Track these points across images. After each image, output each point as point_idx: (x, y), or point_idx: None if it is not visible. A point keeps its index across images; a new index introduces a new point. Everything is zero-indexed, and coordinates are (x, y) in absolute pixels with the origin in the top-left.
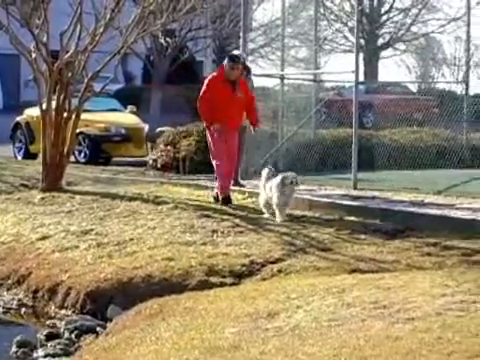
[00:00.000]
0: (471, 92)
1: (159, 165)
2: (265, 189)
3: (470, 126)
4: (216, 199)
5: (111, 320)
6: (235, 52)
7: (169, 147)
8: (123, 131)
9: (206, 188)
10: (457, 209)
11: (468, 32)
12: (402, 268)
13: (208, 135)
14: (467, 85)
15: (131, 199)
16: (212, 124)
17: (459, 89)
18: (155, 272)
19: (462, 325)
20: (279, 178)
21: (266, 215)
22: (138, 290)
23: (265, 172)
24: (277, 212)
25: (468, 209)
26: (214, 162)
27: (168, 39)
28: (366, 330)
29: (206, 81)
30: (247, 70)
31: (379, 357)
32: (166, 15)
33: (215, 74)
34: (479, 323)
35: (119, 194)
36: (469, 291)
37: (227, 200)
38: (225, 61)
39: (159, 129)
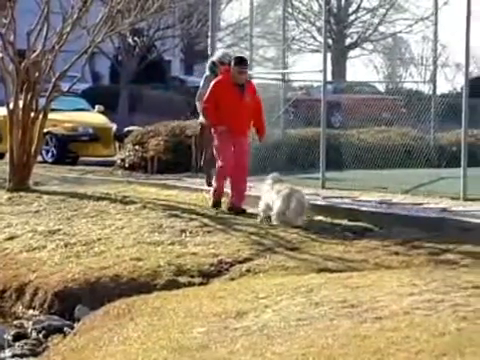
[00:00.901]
0: (438, 92)
1: (127, 165)
2: (270, 193)
3: (437, 126)
4: (216, 204)
5: (79, 320)
6: (223, 50)
7: (137, 147)
8: (91, 131)
9: (174, 188)
10: (425, 208)
11: (435, 32)
12: (370, 267)
13: (214, 138)
14: (434, 85)
15: (99, 199)
16: (218, 127)
17: (426, 89)
18: (123, 272)
19: (430, 324)
20: (296, 206)
21: (259, 218)
22: (106, 290)
23: (271, 178)
24: (274, 217)
25: (435, 208)
26: (218, 163)
27: (136, 38)
28: (334, 329)
29: (212, 84)
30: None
31: (347, 356)
32: (134, 14)
33: (221, 77)
34: (447, 322)
35: (87, 194)
36: (436, 290)
37: (216, 204)
38: (231, 64)
39: (127, 129)
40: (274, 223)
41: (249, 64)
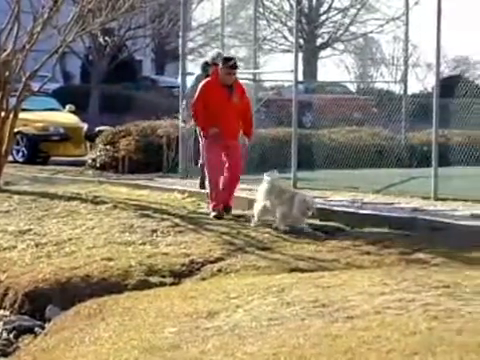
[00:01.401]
0: (409, 92)
1: (98, 164)
2: (268, 198)
3: (409, 126)
4: (218, 217)
5: (50, 320)
6: (217, 50)
7: (108, 146)
8: (62, 130)
9: (146, 188)
10: (396, 208)
11: (406, 32)
12: (341, 267)
13: (201, 141)
14: (405, 85)
15: (70, 199)
16: (207, 130)
17: (398, 89)
18: (94, 272)
19: (401, 323)
20: (299, 204)
21: (253, 222)
22: (77, 290)
23: (270, 180)
24: (279, 219)
25: (407, 208)
26: (206, 171)
27: (107, 38)
28: (306, 329)
29: (200, 86)
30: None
31: (319, 356)
32: (105, 14)
33: (209, 78)
34: (417, 321)
35: (58, 194)
36: (407, 289)
37: (219, 216)
38: (220, 64)
39: (98, 128)
40: (280, 228)
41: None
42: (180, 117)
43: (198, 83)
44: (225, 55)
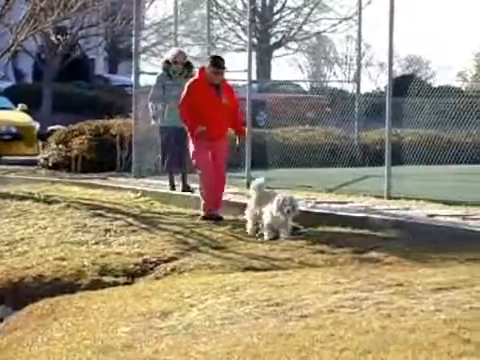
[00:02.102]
0: (362, 91)
1: (51, 164)
2: (259, 205)
3: (362, 125)
4: (207, 218)
5: (2, 321)
6: (177, 49)
7: (61, 146)
8: (14, 130)
9: (99, 187)
10: (349, 207)
11: (359, 31)
12: (295, 266)
13: (190, 143)
14: (358, 84)
15: (22, 198)
16: (194, 130)
17: (351, 88)
18: (47, 272)
19: (354, 322)
20: (278, 202)
21: (249, 228)
22: (29, 290)
23: (257, 186)
24: (265, 232)
25: (360, 207)
26: (198, 172)
27: (59, 36)
28: (259, 328)
29: (187, 85)
30: (189, 67)
31: (272, 354)
32: (57, 12)
33: (196, 77)
34: (371, 320)
35: (9, 193)
36: (361, 288)
37: (213, 217)
38: (207, 64)
39: (50, 127)
40: (265, 236)
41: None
42: (152, 118)
43: (160, 83)
44: (212, 54)
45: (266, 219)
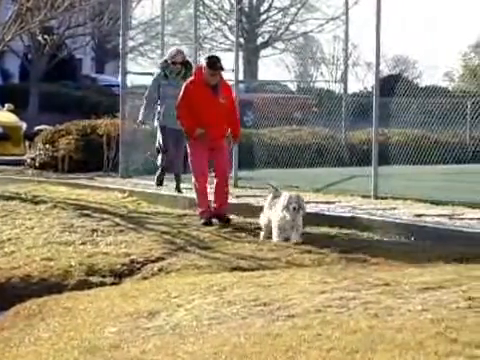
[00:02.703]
0: (349, 91)
1: (37, 164)
2: (270, 208)
3: (349, 125)
4: (207, 223)
5: None
6: (176, 48)
7: (48, 146)
8: (0, 129)
9: (86, 187)
10: (336, 207)
11: (346, 31)
12: (282, 265)
13: (188, 146)
14: (345, 84)
15: (9, 198)
16: (192, 131)
17: (338, 88)
18: (34, 272)
19: (341, 321)
20: (283, 200)
21: (261, 234)
22: (16, 290)
23: (271, 188)
24: (274, 232)
25: (347, 206)
26: (192, 178)
27: (46, 36)
28: (247, 328)
29: (184, 86)
30: (188, 67)
31: (259, 355)
32: (44, 12)
33: (193, 78)
34: (358, 319)
35: None
36: (348, 288)
37: (209, 223)
38: (203, 64)
39: (37, 127)
40: (275, 240)
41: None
42: (140, 117)
43: (157, 83)
44: (208, 55)
45: (274, 220)
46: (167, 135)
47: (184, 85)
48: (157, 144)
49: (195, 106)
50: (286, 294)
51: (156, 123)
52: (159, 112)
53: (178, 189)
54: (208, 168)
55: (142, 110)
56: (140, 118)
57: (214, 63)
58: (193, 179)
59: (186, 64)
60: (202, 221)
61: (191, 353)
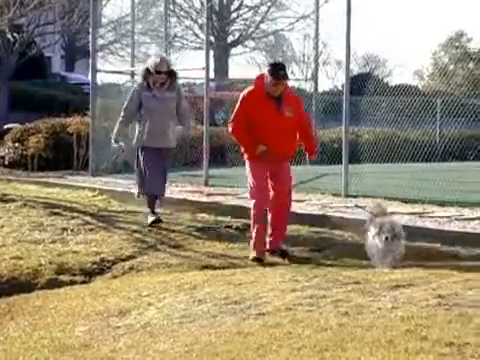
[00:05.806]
0: (320, 89)
1: (6, 162)
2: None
3: (319, 123)
4: (258, 259)
5: None
6: (160, 56)
7: (17, 144)
8: None
9: (55, 185)
10: (307, 205)
11: (317, 30)
12: (253, 264)
13: (247, 166)
14: (316, 82)
15: None
16: (253, 149)
17: (308, 86)
18: (3, 271)
19: (312, 320)
20: (375, 225)
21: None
22: None
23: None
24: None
25: (317, 205)
26: (250, 202)
27: (15, 34)
28: (217, 326)
29: (241, 96)
30: (173, 77)
31: (230, 353)
32: (13, 10)
33: (252, 88)
34: (328, 317)
35: None
36: (318, 286)
37: (260, 259)
38: (266, 72)
39: (6, 126)
40: (378, 267)
41: (131, 61)
42: (114, 135)
43: (138, 94)
44: (272, 61)
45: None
46: (149, 156)
47: (241, 96)
48: (135, 166)
49: (254, 121)
50: (257, 292)
51: (135, 142)
52: (140, 131)
53: (153, 212)
54: (269, 192)
55: (118, 126)
56: (114, 137)
57: (277, 71)
58: (252, 205)
59: (171, 73)
60: (252, 255)
61: (162, 352)
